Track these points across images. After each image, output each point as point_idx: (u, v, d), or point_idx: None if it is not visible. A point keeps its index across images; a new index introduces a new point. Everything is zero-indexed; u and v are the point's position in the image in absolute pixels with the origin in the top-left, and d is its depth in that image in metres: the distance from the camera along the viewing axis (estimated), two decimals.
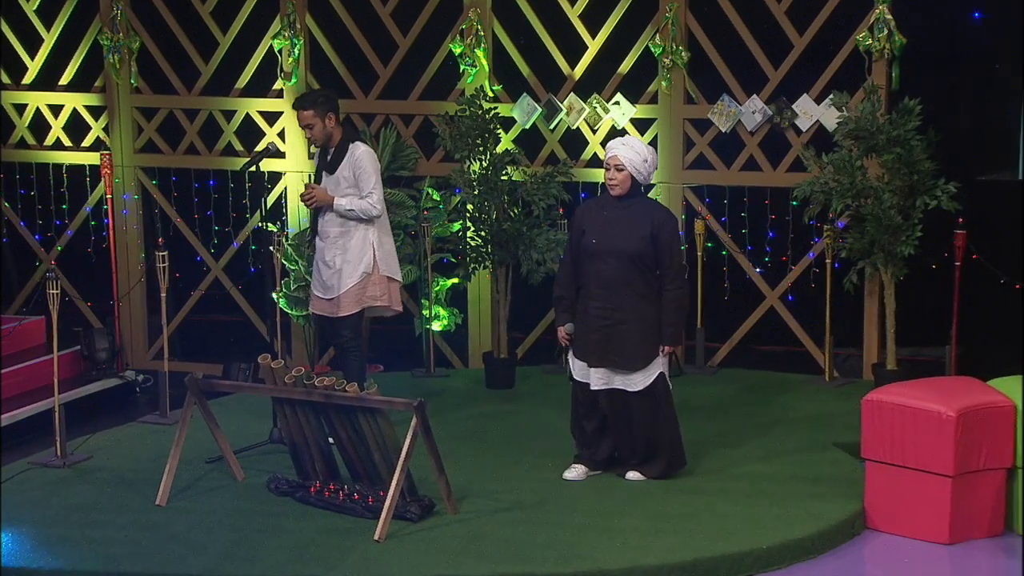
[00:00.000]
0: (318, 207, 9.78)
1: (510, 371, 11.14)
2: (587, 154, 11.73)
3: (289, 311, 12.02)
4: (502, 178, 11.00)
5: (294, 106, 9.79)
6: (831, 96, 10.75)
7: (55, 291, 9.33)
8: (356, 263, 9.74)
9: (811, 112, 11.10)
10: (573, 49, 11.74)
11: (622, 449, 9.03)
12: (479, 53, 11.69)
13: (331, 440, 8.79)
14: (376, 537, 8.17)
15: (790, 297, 11.44)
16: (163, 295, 10.45)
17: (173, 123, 12.71)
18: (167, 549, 8.04)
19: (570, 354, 9.07)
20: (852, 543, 8.44)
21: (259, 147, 11.86)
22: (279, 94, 12.34)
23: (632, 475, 9.02)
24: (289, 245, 11.96)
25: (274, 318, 9.94)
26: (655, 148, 11.49)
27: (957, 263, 10.55)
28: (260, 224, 11.66)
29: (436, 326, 11.72)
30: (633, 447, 8.96)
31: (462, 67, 11.80)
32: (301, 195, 9.88)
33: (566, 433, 9.69)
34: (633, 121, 11.60)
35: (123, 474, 9.24)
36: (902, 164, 10.22)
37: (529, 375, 11.41)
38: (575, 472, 9.14)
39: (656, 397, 8.86)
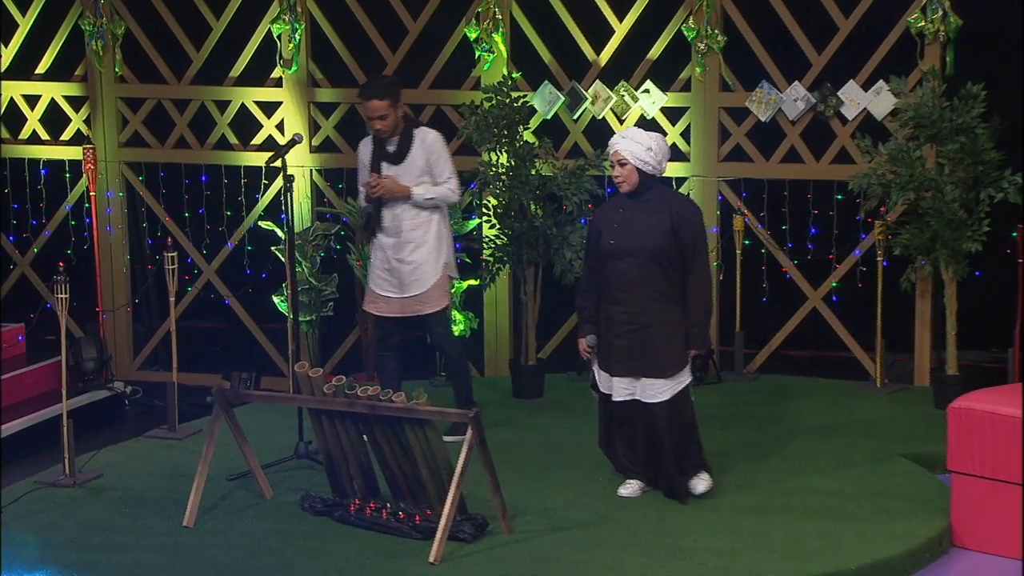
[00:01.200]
0: (384, 200, 9.27)
1: (538, 379, 10.72)
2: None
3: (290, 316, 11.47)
4: (531, 172, 10.47)
5: (363, 96, 9.33)
6: (889, 81, 10.41)
7: (64, 295, 8.77)
8: (436, 255, 9.48)
9: (858, 99, 10.73)
10: (599, 33, 11.33)
11: (651, 466, 8.63)
12: (497, 38, 11.25)
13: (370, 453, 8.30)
14: (431, 559, 7.77)
15: (834, 298, 11.01)
16: (171, 299, 9.92)
17: (161, 115, 12.21)
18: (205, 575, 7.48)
19: (595, 366, 8.60)
20: (940, 563, 8.06)
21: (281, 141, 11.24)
22: (278, 83, 11.85)
23: (699, 485, 8.63)
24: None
25: (296, 322, 9.36)
26: (687, 139, 11.07)
27: (1021, 260, 10.18)
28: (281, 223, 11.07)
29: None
30: (661, 464, 8.53)
31: (478, 53, 11.36)
32: (368, 186, 9.39)
33: None
34: (664, 110, 11.19)
35: (139, 493, 8.79)
36: (965, 154, 9.81)
37: (555, 383, 11.03)
38: (630, 488, 8.76)
39: (681, 408, 8.49)
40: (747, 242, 11.19)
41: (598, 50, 11.34)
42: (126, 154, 12.21)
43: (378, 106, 9.21)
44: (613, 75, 11.30)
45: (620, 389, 8.46)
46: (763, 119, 10.95)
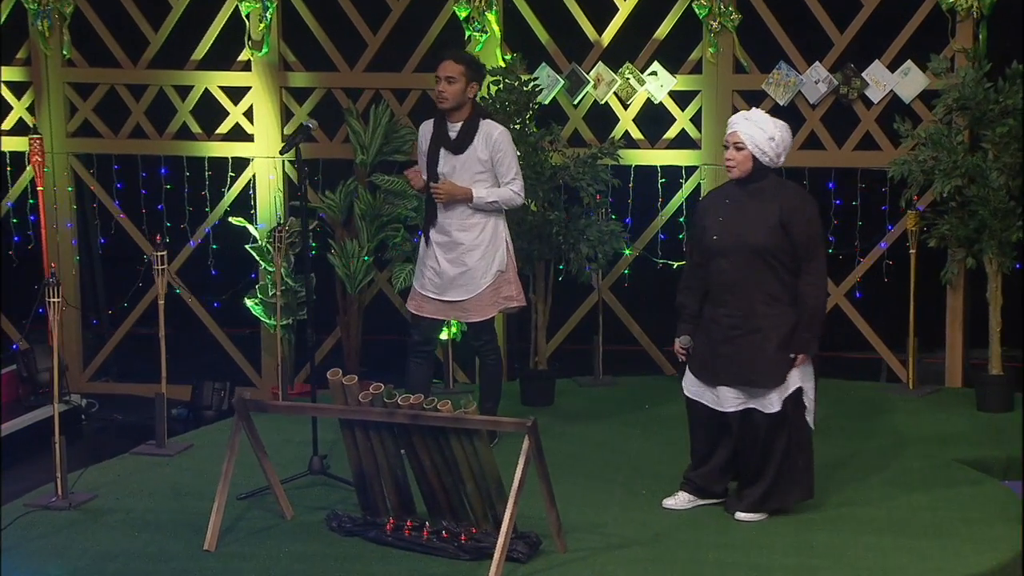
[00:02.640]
0: (443, 201, 8.88)
1: (549, 385, 10.32)
2: (617, 132, 10.85)
3: (265, 320, 10.96)
4: (548, 160, 10.03)
5: (444, 56, 8.87)
6: (921, 61, 10.02)
7: (56, 299, 8.18)
8: (490, 260, 8.97)
9: (884, 81, 10.41)
10: (601, 11, 10.94)
11: (746, 479, 8.21)
12: (490, 17, 10.79)
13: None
14: None
15: (857, 294, 10.68)
16: (161, 303, 9.34)
17: (115, 101, 11.64)
18: None
19: (686, 368, 8.21)
20: None
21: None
22: (246, 66, 11.32)
23: (744, 516, 8.17)
24: (268, 244, 10.88)
25: (308, 327, 8.86)
26: (698, 125, 10.70)
27: None
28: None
29: (443, 335, 10.70)
30: (759, 478, 8.13)
31: (468, 33, 10.87)
32: (430, 190, 8.90)
33: (643, 456, 9.23)
34: (673, 94, 10.80)
35: (144, 515, 8.30)
36: (1012, 139, 9.52)
37: (563, 389, 10.60)
38: (678, 500, 8.39)
39: (793, 419, 8.05)
40: None
41: (600, 29, 10.96)
42: (75, 145, 11.63)
43: (450, 67, 8.77)
44: (617, 56, 10.94)
45: (731, 399, 8.01)
46: (782, 103, 10.61)
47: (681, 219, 10.95)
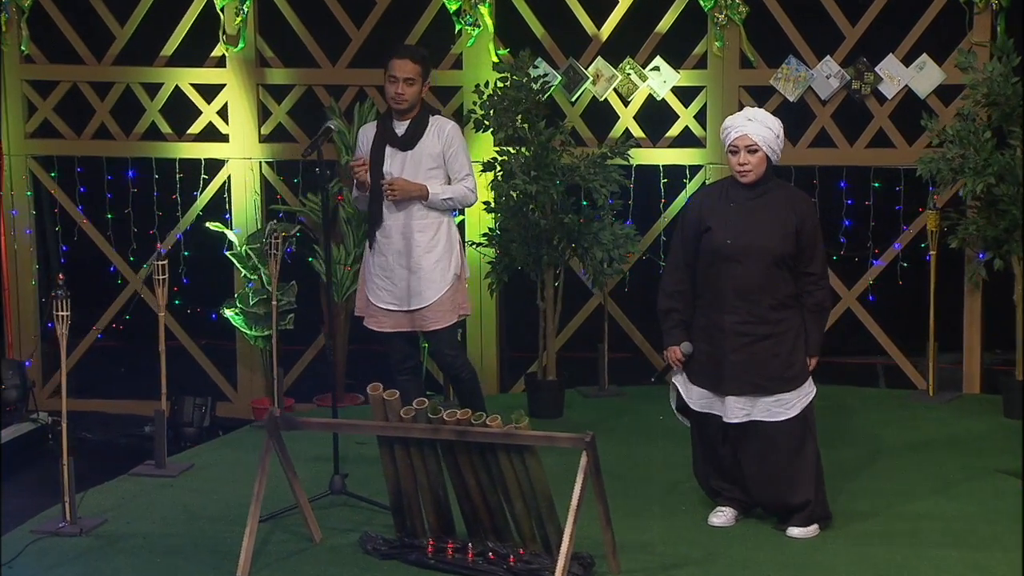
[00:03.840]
0: (397, 200, 8.32)
1: (559, 396, 9.96)
2: (617, 131, 10.50)
3: (246, 331, 10.49)
4: (562, 160, 9.65)
5: (400, 54, 8.37)
6: (956, 56, 9.88)
7: (64, 312, 7.67)
8: (446, 264, 8.50)
9: (898, 76, 10.14)
10: (599, 4, 10.61)
11: (766, 496, 7.96)
12: (483, 10, 10.41)
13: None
14: None
15: (871, 297, 10.41)
16: (161, 315, 8.86)
17: (78, 100, 11.21)
18: None
19: (678, 378, 7.88)
20: None
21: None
22: (220, 62, 10.85)
23: (797, 532, 7.89)
24: (250, 249, 10.41)
25: (332, 333, 8.38)
26: (702, 122, 10.39)
27: None
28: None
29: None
30: (781, 493, 7.85)
31: (459, 27, 10.47)
32: (381, 187, 8.38)
33: (670, 470, 8.89)
34: (675, 90, 10.46)
35: (161, 540, 7.92)
36: None
37: (569, 401, 10.38)
38: (724, 517, 8.11)
39: (804, 425, 7.80)
40: None
41: (599, 23, 10.66)
42: (34, 147, 11.18)
43: (411, 68, 8.32)
44: (617, 51, 10.66)
45: (736, 409, 7.71)
46: (791, 99, 10.35)
47: None
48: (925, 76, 10.24)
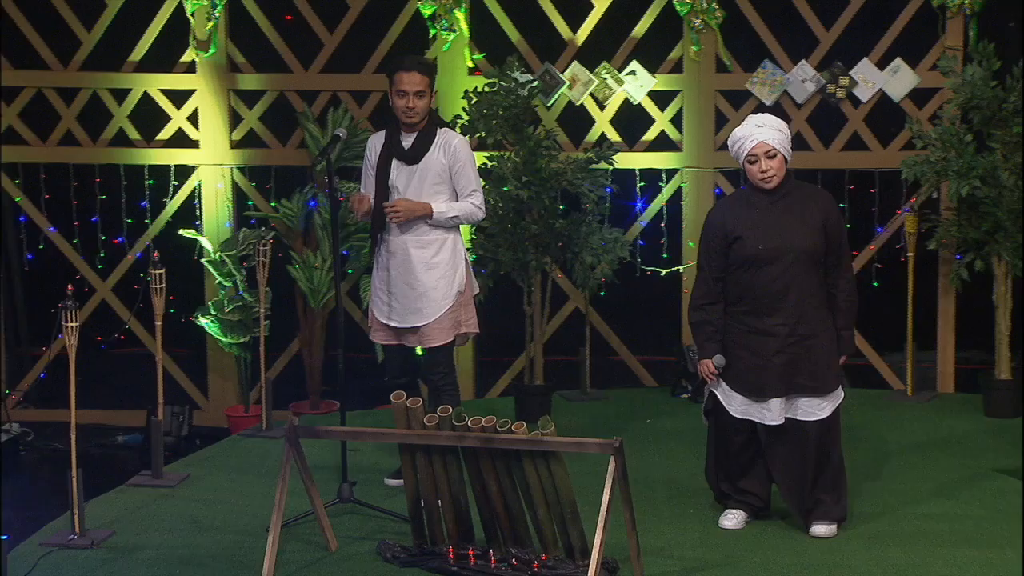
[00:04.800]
0: (401, 221, 8.22)
1: (547, 401, 9.85)
2: (593, 135, 10.43)
3: (221, 338, 10.30)
4: (552, 165, 9.56)
5: (407, 67, 8.13)
6: (931, 60, 9.82)
7: (73, 323, 7.46)
8: (450, 281, 8.30)
9: (872, 80, 10.16)
10: (575, 8, 10.52)
11: (792, 494, 7.90)
12: (459, 15, 10.26)
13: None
14: None
15: None
16: (158, 324, 8.67)
17: (43, 106, 10.92)
18: None
19: (716, 389, 7.84)
20: None
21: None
22: (190, 68, 10.63)
23: (822, 529, 7.85)
24: (226, 255, 10.22)
25: (340, 337, 8.22)
26: (678, 126, 10.38)
27: None
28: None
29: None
30: (808, 491, 7.83)
31: (433, 32, 10.35)
32: (384, 209, 8.19)
33: (670, 472, 8.88)
34: (652, 94, 10.39)
35: (175, 551, 7.71)
36: (1022, 138, 9.35)
37: (553, 405, 10.19)
38: (735, 520, 8.05)
39: (837, 422, 7.82)
40: None
41: (574, 27, 10.55)
42: None
43: (419, 80, 8.11)
44: (592, 56, 10.57)
45: (778, 411, 7.68)
46: (767, 102, 10.33)
47: (662, 224, 10.53)
48: (899, 80, 10.26)
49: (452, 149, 8.22)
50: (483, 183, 8.88)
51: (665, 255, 10.60)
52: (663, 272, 10.53)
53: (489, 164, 9.77)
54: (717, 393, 7.85)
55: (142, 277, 10.64)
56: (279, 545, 7.49)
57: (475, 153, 8.63)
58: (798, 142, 10.45)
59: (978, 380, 10.05)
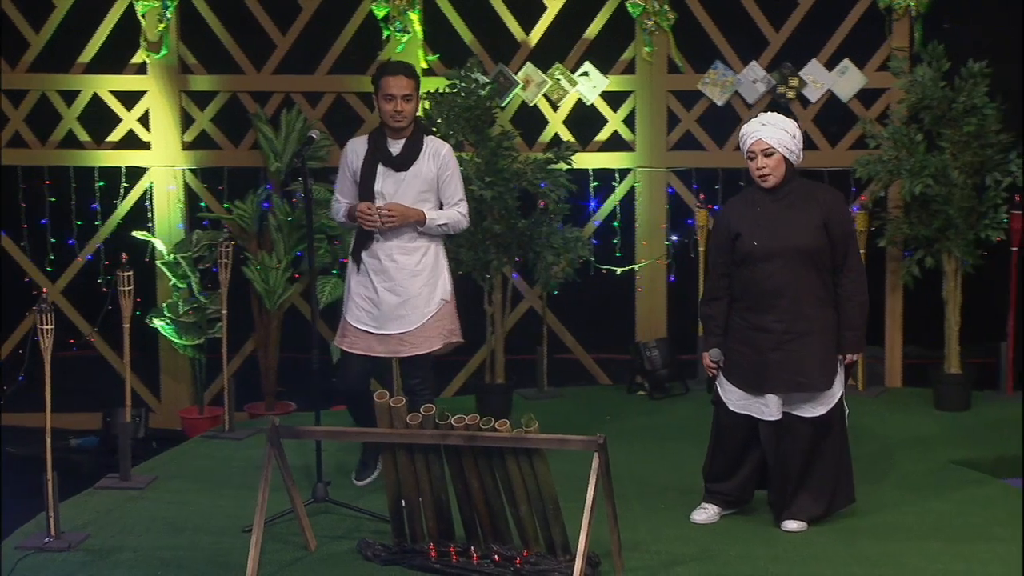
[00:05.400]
0: (396, 225, 8.10)
1: (506, 399, 9.85)
2: (546, 135, 10.46)
3: (176, 340, 10.22)
4: (514, 166, 9.58)
5: (393, 71, 8.03)
6: (889, 62, 10.01)
7: (49, 326, 7.38)
8: (433, 287, 8.22)
9: (821, 80, 10.26)
10: (528, 10, 10.54)
11: (779, 488, 7.95)
12: (412, 16, 10.26)
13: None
14: None
15: None
16: (126, 326, 8.59)
17: None
18: None
19: (718, 383, 7.94)
20: None
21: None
22: (141, 69, 10.52)
23: (793, 525, 7.91)
24: (181, 257, 10.16)
25: (321, 341, 8.19)
26: (631, 126, 10.42)
27: (1014, 248, 9.94)
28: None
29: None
30: (790, 487, 7.88)
31: (386, 33, 10.34)
32: (380, 215, 8.04)
33: (637, 469, 8.89)
34: (605, 95, 10.45)
35: (154, 552, 7.61)
36: (971, 137, 9.47)
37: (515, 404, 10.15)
38: (706, 514, 8.11)
39: (836, 423, 7.87)
40: (695, 237, 10.52)
41: (527, 29, 10.54)
42: None
43: (406, 84, 8.00)
44: (546, 57, 10.59)
45: (775, 407, 7.74)
46: (719, 103, 10.43)
47: (615, 223, 10.59)
48: (847, 80, 10.38)
49: (441, 158, 8.11)
50: None
51: (618, 254, 10.64)
52: (619, 271, 10.57)
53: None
54: (719, 387, 7.91)
55: (99, 282, 10.59)
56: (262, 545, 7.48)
57: None
58: None
59: (928, 374, 10.17)
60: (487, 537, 7.45)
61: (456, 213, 8.17)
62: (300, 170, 8.10)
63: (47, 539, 7.59)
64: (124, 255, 8.69)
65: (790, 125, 7.73)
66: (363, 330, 8.22)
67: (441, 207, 8.19)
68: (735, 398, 7.85)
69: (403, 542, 7.52)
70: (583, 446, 7.16)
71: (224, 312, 9.54)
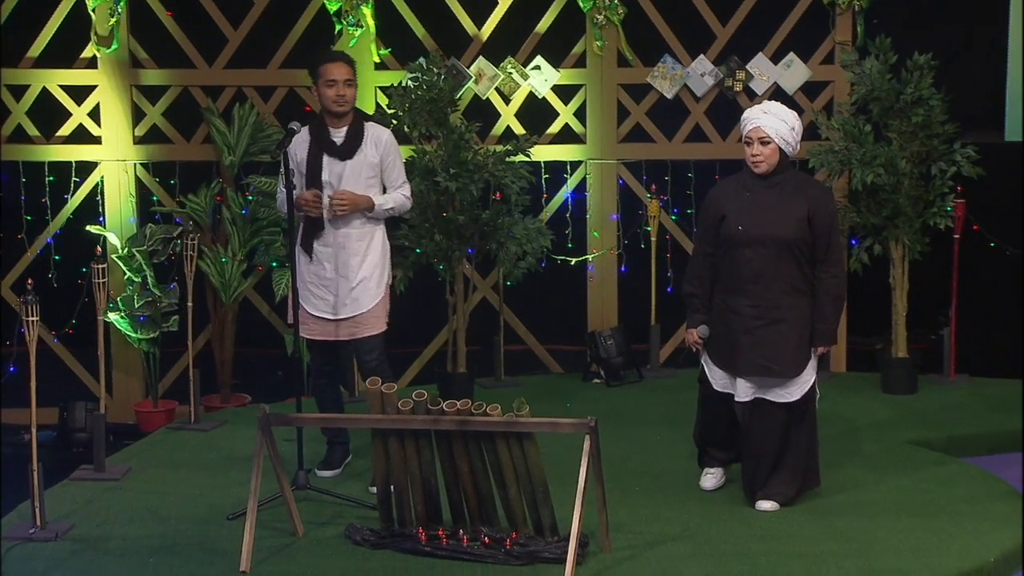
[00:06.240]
0: (346, 212, 8.24)
1: (468, 387, 9.93)
2: (498, 128, 10.55)
3: (131, 334, 10.20)
4: (476, 159, 9.66)
5: (333, 59, 8.25)
6: (841, 55, 10.15)
7: (34, 317, 7.34)
8: (381, 271, 8.42)
9: (767, 73, 10.45)
10: (479, 5, 10.63)
11: (752, 469, 8.12)
12: (365, 11, 10.31)
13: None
14: None
15: None
16: (100, 317, 8.57)
17: None
18: None
19: (704, 358, 8.07)
20: None
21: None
22: (91, 63, 10.46)
23: (768, 505, 8.07)
24: (137, 250, 10.12)
25: (297, 332, 8.20)
26: (582, 119, 10.53)
27: (956, 236, 10.15)
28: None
29: None
30: (764, 468, 8.05)
31: (339, 27, 10.37)
32: (332, 202, 8.17)
33: (607, 454, 8.52)
34: (556, 88, 10.55)
35: (142, 540, 7.62)
36: (918, 128, 9.69)
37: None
38: (715, 479, 8.37)
39: (808, 409, 8.01)
40: (647, 228, 10.63)
41: (479, 23, 10.61)
42: None
43: (346, 70, 8.21)
44: (497, 51, 10.67)
45: (745, 389, 7.91)
46: (668, 96, 10.58)
47: (567, 215, 10.68)
48: (792, 73, 10.56)
49: (383, 144, 8.31)
50: (413, 176, 8.97)
51: (570, 245, 10.73)
52: (573, 261, 10.67)
53: (416, 157, 9.82)
54: (705, 366, 8.06)
55: (50, 277, 10.51)
56: (241, 533, 7.49)
57: (401, 147, 8.70)
58: (697, 134, 10.71)
59: (876, 359, 10.37)
60: (474, 520, 7.53)
61: (400, 196, 8.39)
62: (284, 162, 8.09)
63: (32, 529, 7.57)
64: (98, 249, 8.65)
65: (790, 116, 7.86)
66: (320, 317, 8.35)
67: (384, 191, 8.36)
68: (717, 377, 8.02)
69: (391, 526, 7.57)
70: (574, 429, 7.27)
71: (190, 305, 9.51)
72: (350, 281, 8.31)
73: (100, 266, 8.56)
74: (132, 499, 8.21)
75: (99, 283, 8.58)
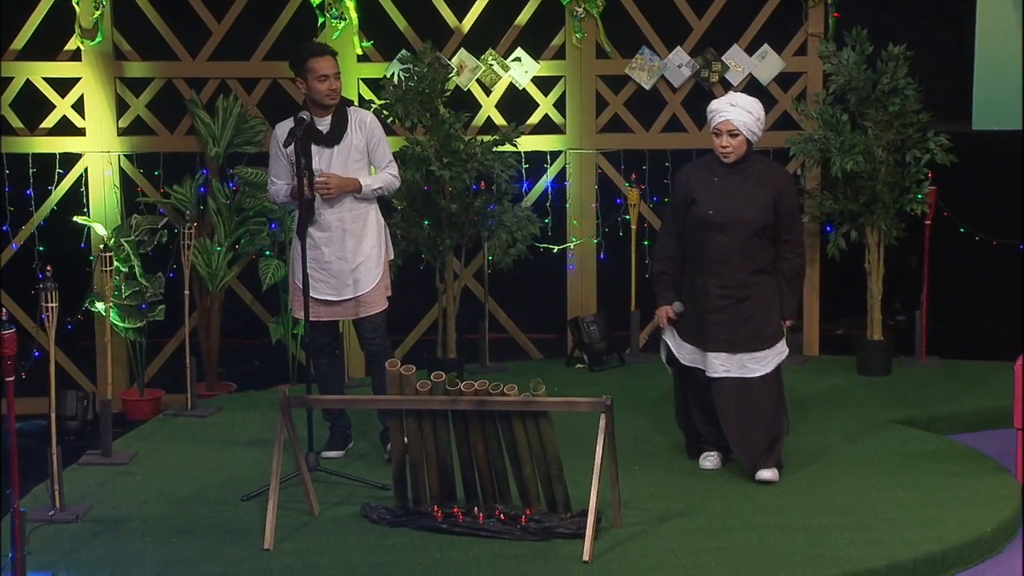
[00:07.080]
0: (333, 196, 8.40)
1: (460, 373, 9.90)
2: (479, 119, 10.67)
3: (118, 323, 10.22)
4: (467, 148, 9.78)
5: (322, 52, 8.41)
6: (819, 46, 10.41)
7: (53, 303, 7.41)
8: (379, 250, 8.61)
9: (743, 65, 10.64)
10: None
11: (740, 444, 8.35)
12: (348, 3, 10.40)
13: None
14: (585, 558, 7.19)
15: None
16: (107, 305, 8.64)
17: None
18: None
19: (667, 335, 8.23)
20: None
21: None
22: (75, 56, 10.48)
23: (767, 474, 8.27)
24: (125, 240, 10.16)
25: (307, 317, 8.28)
26: (561, 110, 10.67)
27: (927, 222, 10.38)
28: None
29: None
30: (754, 441, 8.25)
31: (321, 20, 10.44)
32: (315, 184, 8.29)
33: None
34: (536, 80, 10.68)
35: (161, 521, 7.73)
36: (893, 117, 9.92)
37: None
38: (713, 461, 8.54)
39: (778, 380, 8.30)
40: (627, 217, 10.79)
41: (460, 16, 10.72)
42: None
43: (334, 64, 8.41)
44: (478, 43, 10.78)
45: (716, 365, 8.13)
46: (646, 87, 10.72)
47: (547, 204, 10.81)
48: (767, 65, 10.76)
49: (368, 126, 8.51)
50: (405, 165, 9.06)
51: (550, 233, 10.86)
52: (556, 249, 10.80)
53: (409, 147, 9.92)
54: (670, 342, 8.22)
55: (34, 267, 10.50)
56: (262, 511, 7.56)
57: (392, 137, 8.81)
58: (674, 124, 10.87)
59: (852, 341, 10.59)
60: (488, 498, 7.64)
61: (388, 176, 8.57)
62: (295, 150, 8.18)
63: (52, 511, 7.61)
64: (106, 237, 8.68)
65: (756, 107, 8.15)
66: (323, 300, 8.49)
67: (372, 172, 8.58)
68: (686, 352, 8.29)
69: (406, 504, 7.67)
70: (591, 408, 7.44)
71: (186, 293, 9.57)
72: (349, 263, 8.47)
73: (108, 254, 8.60)
74: (143, 482, 8.29)
75: (106, 271, 8.60)
